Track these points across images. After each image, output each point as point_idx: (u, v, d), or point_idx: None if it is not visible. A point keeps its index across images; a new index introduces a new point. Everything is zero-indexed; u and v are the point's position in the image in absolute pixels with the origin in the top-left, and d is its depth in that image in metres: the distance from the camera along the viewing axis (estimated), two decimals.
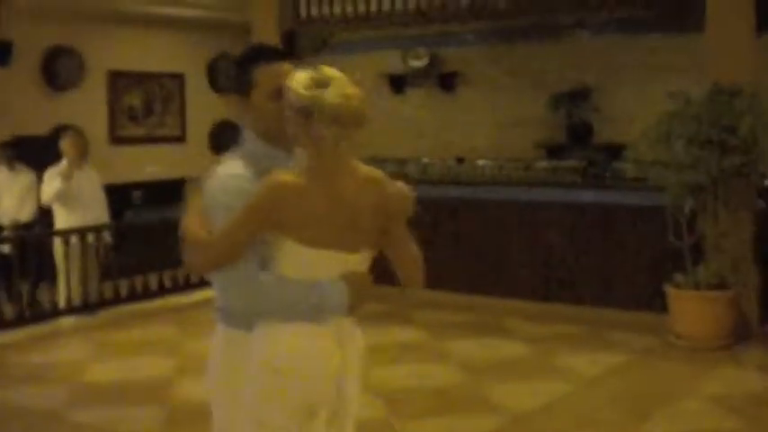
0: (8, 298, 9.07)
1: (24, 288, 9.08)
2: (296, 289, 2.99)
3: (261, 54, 3.18)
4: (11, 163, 10.11)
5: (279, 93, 3.05)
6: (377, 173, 3.11)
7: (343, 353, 3.08)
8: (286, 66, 3.13)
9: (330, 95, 2.95)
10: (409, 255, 3.18)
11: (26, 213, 10.02)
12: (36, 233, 9.93)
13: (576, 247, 9.02)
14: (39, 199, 9.53)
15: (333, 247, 2.99)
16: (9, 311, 8.87)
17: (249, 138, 3.19)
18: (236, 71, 3.19)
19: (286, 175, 2.96)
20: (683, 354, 7.64)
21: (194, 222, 3.09)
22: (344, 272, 3.02)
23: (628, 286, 8.71)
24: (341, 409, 3.12)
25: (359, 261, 3.07)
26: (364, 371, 3.23)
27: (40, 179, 9.45)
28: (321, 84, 2.97)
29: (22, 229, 9.89)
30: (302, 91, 2.96)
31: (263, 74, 3.11)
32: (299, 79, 2.99)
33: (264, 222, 2.95)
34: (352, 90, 3.00)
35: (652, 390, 6.86)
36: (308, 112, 2.95)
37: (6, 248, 9.17)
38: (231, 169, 3.11)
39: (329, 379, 3.05)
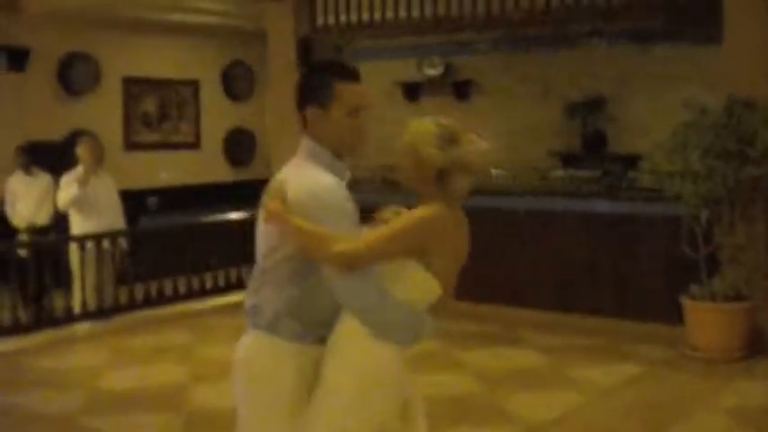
0: (24, 303, 9.07)
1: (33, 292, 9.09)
2: (407, 312, 3.18)
3: (345, 72, 3.30)
4: (27, 167, 10.14)
5: (357, 110, 3.24)
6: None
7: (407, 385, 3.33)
8: (365, 87, 3.32)
9: (468, 155, 3.23)
10: None
11: (42, 217, 10.05)
12: (52, 239, 9.97)
13: (592, 257, 9.01)
14: (55, 203, 9.56)
15: (447, 281, 3.23)
16: (24, 316, 8.90)
17: (314, 147, 3.28)
18: (317, 82, 3.27)
19: (435, 209, 3.17)
20: (699, 366, 7.62)
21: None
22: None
23: (643, 297, 8.69)
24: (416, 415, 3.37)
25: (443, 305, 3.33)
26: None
27: (55, 185, 9.48)
28: (450, 141, 3.23)
29: (38, 232, 9.92)
30: (437, 152, 3.19)
31: (347, 91, 3.25)
32: (426, 139, 3.22)
33: (409, 247, 3.14)
34: (482, 144, 3.28)
35: (667, 402, 6.84)
36: (447, 171, 3.19)
37: (23, 252, 9.18)
38: (320, 180, 3.20)
39: (401, 400, 3.27)
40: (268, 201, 3.23)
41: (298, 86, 3.31)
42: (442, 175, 3.19)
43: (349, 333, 3.15)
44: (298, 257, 3.18)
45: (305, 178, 3.19)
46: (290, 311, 3.23)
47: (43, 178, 10.20)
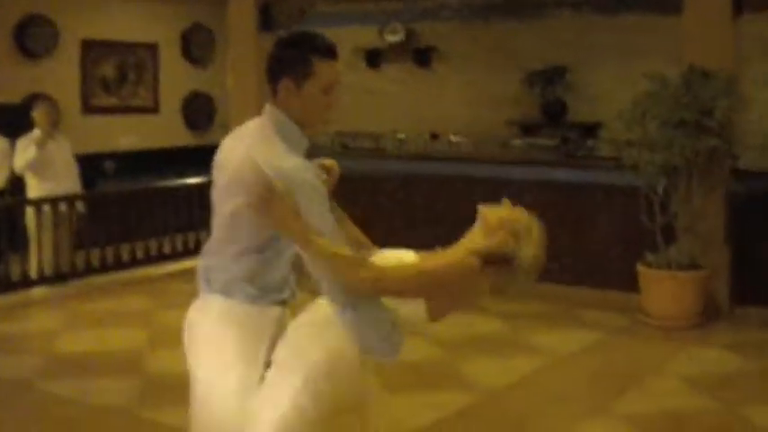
0: None
1: None
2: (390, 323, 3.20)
3: (324, 49, 3.24)
4: None
5: (331, 87, 3.23)
6: None
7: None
8: (337, 65, 3.29)
9: (530, 253, 3.43)
10: None
11: None
12: (7, 202, 9.85)
13: (549, 225, 9.02)
14: (11, 166, 9.43)
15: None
16: None
17: (279, 119, 3.24)
18: (294, 57, 3.22)
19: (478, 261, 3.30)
20: (654, 333, 7.71)
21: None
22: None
23: (600, 265, 8.76)
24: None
25: None
26: None
27: (12, 148, 9.35)
28: (518, 235, 3.43)
29: None
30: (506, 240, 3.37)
31: (325, 68, 3.22)
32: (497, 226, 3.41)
33: (438, 289, 3.24)
34: (542, 245, 3.49)
35: (623, 368, 6.92)
36: (508, 258, 3.36)
37: None
38: (283, 159, 3.15)
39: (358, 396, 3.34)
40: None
41: (272, 57, 3.26)
42: (501, 263, 3.46)
43: (323, 320, 3.17)
44: (261, 234, 3.17)
45: (271, 154, 3.14)
46: (246, 278, 3.23)
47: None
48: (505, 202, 3.64)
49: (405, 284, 3.17)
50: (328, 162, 3.54)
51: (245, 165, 3.15)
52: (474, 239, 3.43)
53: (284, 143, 3.18)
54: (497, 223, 3.43)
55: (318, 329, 3.18)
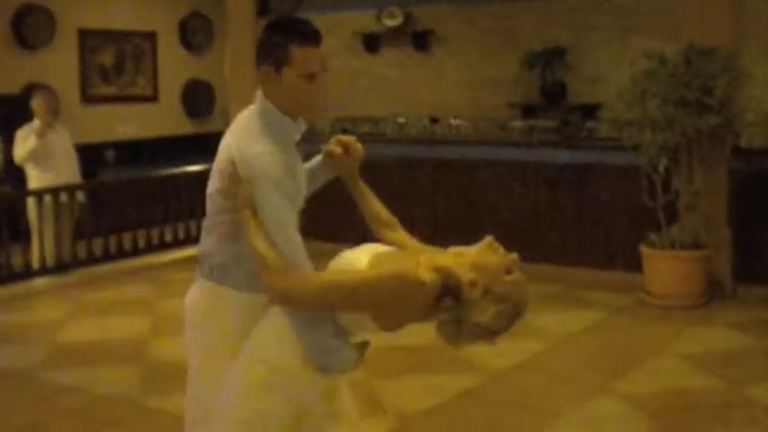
0: None
1: None
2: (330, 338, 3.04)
3: (303, 35, 3.13)
4: None
5: (310, 75, 3.11)
6: None
7: None
8: (319, 52, 3.17)
9: (482, 319, 2.97)
10: None
11: None
12: (8, 192, 9.85)
13: (551, 206, 9.05)
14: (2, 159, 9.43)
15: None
16: None
17: (265, 107, 3.19)
18: (273, 42, 3.15)
19: (422, 275, 2.88)
20: (657, 313, 7.71)
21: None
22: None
23: (602, 246, 8.75)
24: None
25: None
26: None
27: (10, 139, 9.33)
28: (488, 291, 2.96)
29: None
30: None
31: (302, 55, 3.11)
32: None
33: (376, 305, 2.94)
34: (504, 319, 3.05)
35: (626, 348, 6.93)
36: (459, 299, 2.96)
37: None
38: (257, 146, 3.10)
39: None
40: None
41: (257, 42, 3.22)
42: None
43: (276, 325, 3.08)
44: (237, 218, 3.15)
45: (243, 140, 3.13)
46: (231, 263, 3.23)
47: None
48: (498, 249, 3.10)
49: (315, 302, 2.96)
50: (345, 139, 3.46)
51: (223, 150, 3.19)
52: (448, 258, 3.00)
53: (268, 130, 3.15)
54: (473, 266, 2.93)
55: (261, 335, 3.12)
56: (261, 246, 2.97)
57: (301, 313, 3.00)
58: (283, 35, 3.13)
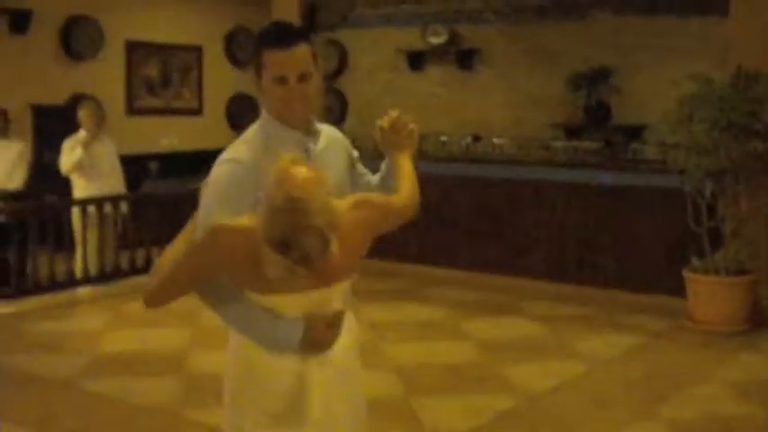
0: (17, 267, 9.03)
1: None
2: (259, 322, 2.86)
3: (272, 38, 3.05)
4: (5, 132, 9.92)
5: (283, 79, 3.01)
6: (349, 213, 2.86)
7: (304, 366, 2.88)
8: (293, 54, 3.03)
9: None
10: (396, 212, 3.12)
11: (15, 183, 9.88)
12: (54, 202, 9.95)
13: (594, 228, 9.01)
14: (28, 169, 9.54)
15: (295, 291, 2.78)
16: (29, 280, 8.91)
17: (264, 117, 3.15)
18: (254, 51, 3.15)
19: (235, 225, 2.75)
20: (700, 338, 7.63)
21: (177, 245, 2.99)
22: (307, 312, 2.83)
23: (645, 269, 8.69)
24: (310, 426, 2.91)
25: (327, 295, 2.86)
26: (348, 378, 3.00)
27: (57, 149, 9.41)
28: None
29: (10, 199, 9.77)
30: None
31: (272, 58, 3.03)
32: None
33: (210, 273, 2.81)
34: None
35: (667, 373, 6.85)
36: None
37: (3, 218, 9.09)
38: (230, 153, 3.06)
39: (281, 392, 2.87)
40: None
41: None
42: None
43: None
44: None
45: (229, 149, 3.10)
46: None
47: (17, 144, 10.04)
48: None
49: (157, 288, 2.88)
50: (386, 120, 3.33)
51: None
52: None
53: (259, 139, 3.10)
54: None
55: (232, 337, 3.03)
56: (169, 249, 2.95)
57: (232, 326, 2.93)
58: (259, 40, 3.10)
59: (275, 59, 3.03)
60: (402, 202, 3.15)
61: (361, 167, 3.45)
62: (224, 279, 2.85)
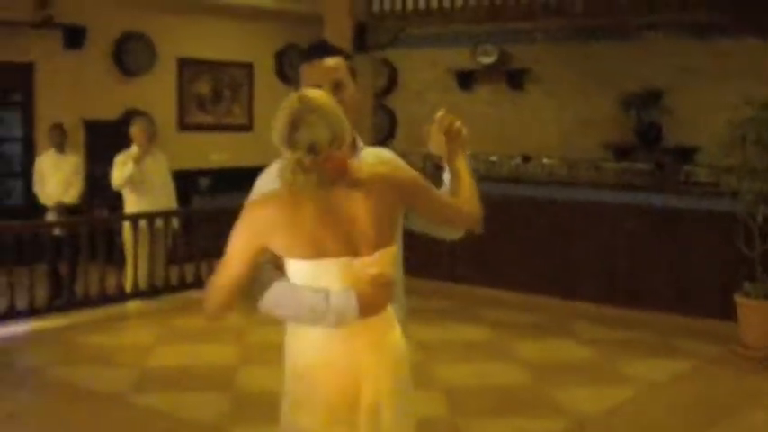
0: (68, 280, 9.12)
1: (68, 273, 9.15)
2: (304, 295, 2.86)
3: (305, 53, 3.22)
4: (61, 146, 10.07)
5: (317, 87, 3.04)
6: (378, 168, 2.97)
7: (367, 359, 2.89)
8: (323, 64, 3.17)
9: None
10: (452, 207, 3.12)
11: (71, 196, 10.00)
12: (106, 216, 10.05)
13: (644, 251, 8.93)
14: (83, 182, 9.67)
15: (332, 255, 2.83)
16: (80, 292, 9.00)
17: None
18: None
19: (265, 195, 2.91)
20: (750, 364, 7.53)
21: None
22: (354, 277, 2.86)
23: (696, 293, 8.60)
24: (371, 419, 2.91)
25: (370, 263, 2.88)
26: (403, 375, 3.00)
27: (109, 163, 9.51)
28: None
29: (66, 212, 9.89)
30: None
31: (306, 71, 3.20)
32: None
33: (255, 247, 2.85)
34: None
35: (717, 399, 6.78)
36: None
37: (58, 231, 9.20)
38: (270, 167, 3.12)
39: (346, 386, 2.88)
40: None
41: None
42: None
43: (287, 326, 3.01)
44: None
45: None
46: None
47: (73, 157, 10.17)
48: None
49: (212, 293, 2.95)
50: (435, 123, 3.34)
51: None
52: None
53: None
54: None
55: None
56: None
57: (285, 304, 2.89)
58: (298, 57, 3.26)
59: (309, 71, 3.18)
60: (459, 203, 3.15)
61: None
62: (268, 268, 2.90)
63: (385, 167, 3.00)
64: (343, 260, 2.84)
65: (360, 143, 3.24)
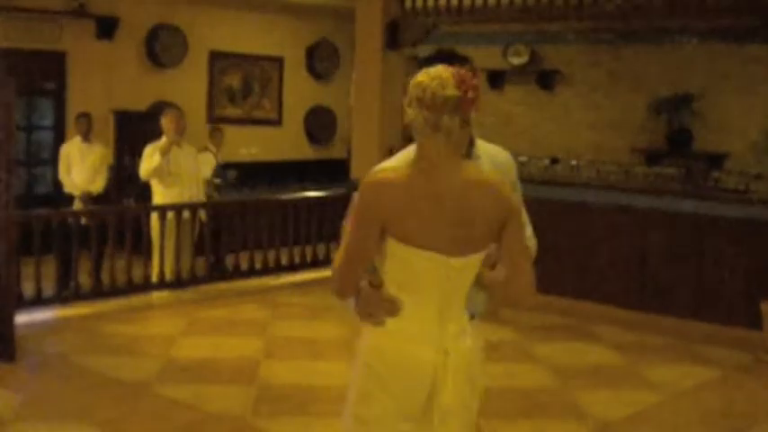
0: (94, 269, 9.13)
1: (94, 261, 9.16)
2: None
3: (429, 58, 3.21)
4: (87, 135, 10.13)
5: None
6: (492, 176, 3.01)
7: (438, 357, 2.97)
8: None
9: (415, 78, 2.95)
10: (517, 269, 3.01)
11: (98, 186, 10.07)
12: (134, 207, 10.08)
13: (672, 256, 8.87)
14: (109, 172, 9.73)
15: (431, 248, 2.89)
16: (106, 281, 9.04)
17: None
18: None
19: (383, 170, 2.96)
20: None
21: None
22: (441, 275, 2.94)
23: (723, 300, 8.54)
24: (438, 414, 2.99)
25: (462, 266, 2.96)
26: (471, 374, 3.09)
27: (138, 154, 9.55)
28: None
29: (92, 201, 9.95)
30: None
31: None
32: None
33: (373, 222, 2.90)
34: (436, 73, 2.92)
35: (742, 407, 6.72)
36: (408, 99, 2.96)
37: (84, 220, 9.19)
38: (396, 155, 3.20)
39: (417, 381, 2.97)
40: None
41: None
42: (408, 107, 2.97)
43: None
44: None
45: None
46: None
47: (100, 147, 10.24)
48: None
49: (336, 275, 3.03)
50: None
51: None
52: None
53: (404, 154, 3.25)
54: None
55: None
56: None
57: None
58: (419, 63, 3.24)
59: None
60: (528, 261, 3.12)
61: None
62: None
63: (498, 177, 3.03)
64: (442, 258, 2.90)
65: (475, 149, 3.29)
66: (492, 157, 3.33)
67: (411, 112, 2.90)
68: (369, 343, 3.04)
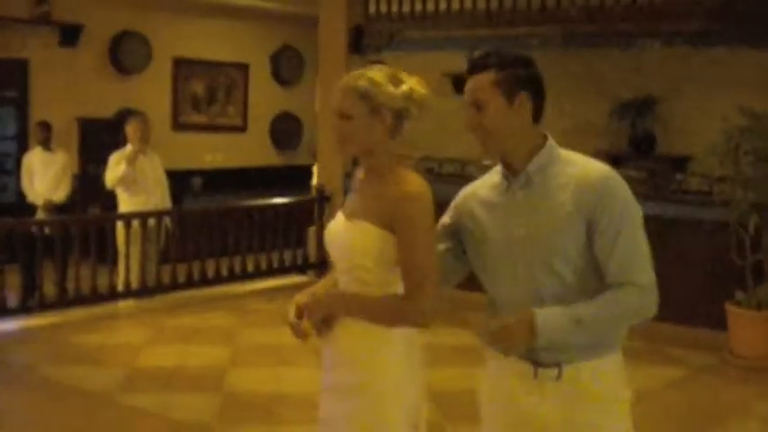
0: (59, 278, 9.06)
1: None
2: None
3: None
4: (47, 144, 10.04)
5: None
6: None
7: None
8: (470, 81, 2.95)
9: (417, 87, 3.06)
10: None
11: (60, 195, 9.99)
12: (98, 215, 10.02)
13: None
14: (72, 181, 9.65)
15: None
16: (71, 291, 8.97)
17: None
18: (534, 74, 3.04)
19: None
20: (740, 373, 7.54)
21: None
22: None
23: (687, 302, 8.58)
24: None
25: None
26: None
27: (103, 162, 9.50)
28: (397, 78, 3.00)
29: (56, 210, 9.88)
30: (395, 89, 2.98)
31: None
32: (378, 78, 2.96)
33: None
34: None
35: (707, 407, 6.78)
36: (402, 112, 2.98)
37: (47, 229, 9.13)
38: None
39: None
40: None
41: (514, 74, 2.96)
42: (398, 118, 2.95)
43: None
44: None
45: None
46: None
47: (61, 156, 10.16)
48: None
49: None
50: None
51: None
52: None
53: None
54: None
55: None
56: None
57: None
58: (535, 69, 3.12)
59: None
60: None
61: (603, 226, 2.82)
62: None
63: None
64: None
65: (531, 164, 2.88)
66: (552, 174, 2.97)
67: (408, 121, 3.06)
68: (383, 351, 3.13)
